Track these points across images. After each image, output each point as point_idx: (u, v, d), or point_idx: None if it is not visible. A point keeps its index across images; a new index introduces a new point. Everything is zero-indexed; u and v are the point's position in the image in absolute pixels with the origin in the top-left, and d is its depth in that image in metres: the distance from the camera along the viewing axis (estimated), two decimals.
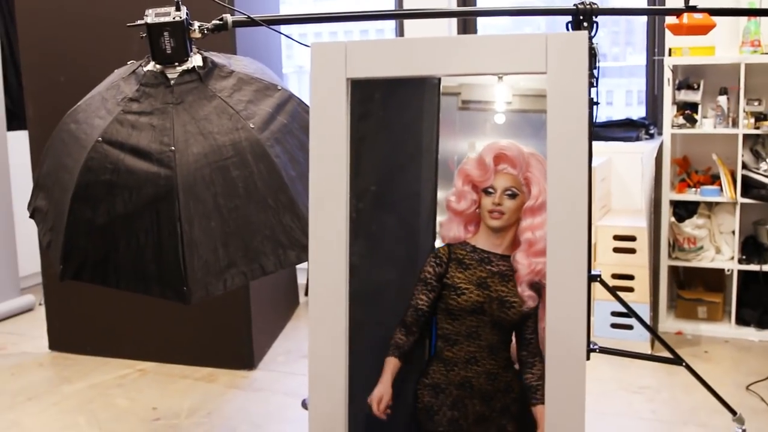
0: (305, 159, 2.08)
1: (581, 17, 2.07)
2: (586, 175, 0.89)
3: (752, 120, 3.78)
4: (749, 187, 3.78)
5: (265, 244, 2.02)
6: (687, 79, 3.99)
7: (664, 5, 4.09)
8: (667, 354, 2.83)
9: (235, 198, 2.00)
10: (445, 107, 2.70)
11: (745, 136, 3.78)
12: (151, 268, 2.02)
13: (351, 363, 0.83)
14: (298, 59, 5.89)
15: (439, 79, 2.29)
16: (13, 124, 4.71)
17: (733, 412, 2.68)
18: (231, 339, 3.58)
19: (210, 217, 1.99)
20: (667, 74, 3.88)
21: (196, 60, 2.08)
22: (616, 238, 3.81)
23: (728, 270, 3.88)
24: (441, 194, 2.52)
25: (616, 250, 3.81)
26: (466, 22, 4.66)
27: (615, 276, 3.79)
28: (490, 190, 1.87)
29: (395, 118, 2.32)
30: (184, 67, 2.06)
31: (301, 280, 4.60)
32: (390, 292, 2.10)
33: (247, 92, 2.10)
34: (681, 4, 2.25)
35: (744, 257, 3.84)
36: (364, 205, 2.32)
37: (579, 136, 0.88)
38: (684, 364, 2.76)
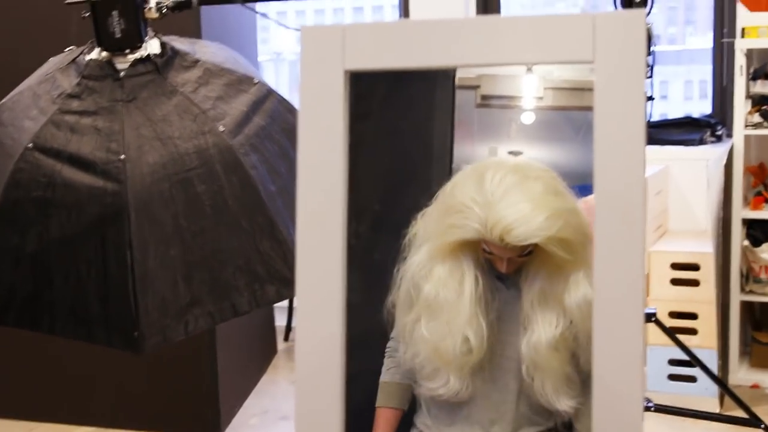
0: (288, 170, 2.08)
1: None
2: (643, 189, 0.90)
3: None
4: None
5: (238, 276, 2.02)
6: (764, 66, 4.01)
7: None
8: (741, 413, 2.83)
9: (200, 219, 2.00)
10: (461, 104, 2.71)
11: None
12: (94, 308, 2.02)
13: (347, 425, 0.83)
14: (276, 44, 5.93)
15: (455, 70, 2.31)
16: None
17: None
18: (193, 397, 3.57)
19: (169, 244, 1.99)
20: (740, 60, 3.90)
21: (152, 46, 2.09)
22: (675, 266, 3.82)
23: None
24: None
25: (675, 281, 3.81)
26: (487, 1, 4.69)
27: (673, 315, 3.79)
28: None
29: (400, 119, 2.34)
30: (137, 55, 2.07)
31: (279, 321, 4.59)
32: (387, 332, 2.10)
33: (215, 86, 2.11)
34: None
35: None
36: (365, 229, 2.32)
37: (635, 141, 0.89)
38: (763, 426, 2.76)
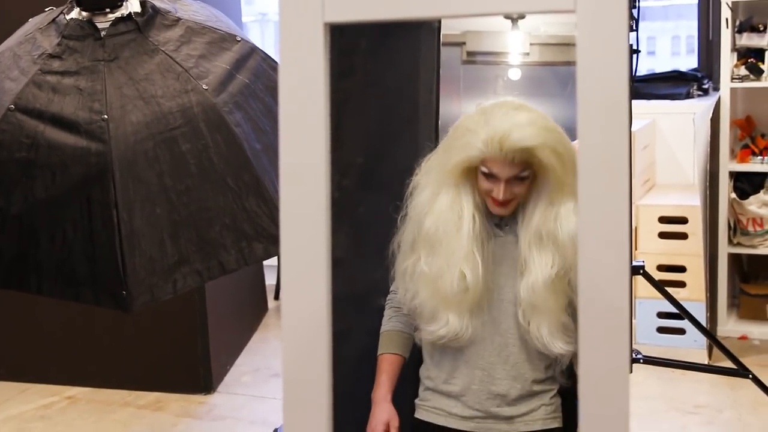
0: (273, 127, 2.08)
1: None
2: (627, 143, 0.89)
3: None
4: None
5: (225, 235, 2.02)
6: (750, 19, 3.99)
7: None
8: (729, 364, 2.85)
9: (185, 178, 2.00)
10: (446, 60, 2.70)
11: None
12: (81, 268, 2.02)
13: (336, 383, 0.83)
14: (261, 5, 5.87)
15: (439, 25, 2.30)
16: None
17: None
18: (183, 356, 3.58)
19: (155, 203, 1.98)
20: (725, 14, 3.88)
21: (132, 5, 2.07)
22: (663, 220, 3.83)
23: None
24: None
25: (663, 235, 3.82)
26: None
27: (662, 268, 3.81)
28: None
29: (385, 74, 2.33)
30: (118, 14, 2.05)
31: (270, 280, 4.60)
32: (382, 292, 2.10)
33: (198, 45, 2.09)
34: None
35: None
36: (349, 183, 2.33)
37: (619, 93, 0.88)
38: (751, 376, 2.78)
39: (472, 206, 1.80)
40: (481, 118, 1.77)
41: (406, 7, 0.88)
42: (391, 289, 1.99)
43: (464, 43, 2.79)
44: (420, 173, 1.87)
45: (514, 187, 1.77)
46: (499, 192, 1.76)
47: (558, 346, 1.77)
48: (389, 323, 1.97)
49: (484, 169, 1.77)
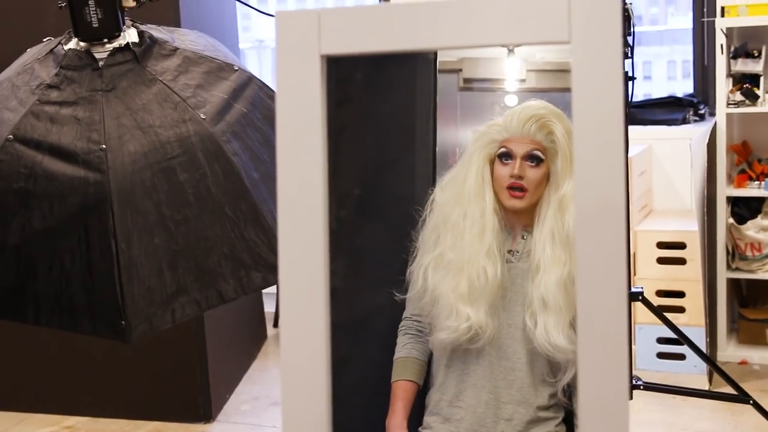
0: (271, 157, 2.08)
1: None
2: (623, 169, 0.89)
3: None
4: None
5: (223, 264, 2.02)
6: (745, 45, 4.02)
7: None
8: (729, 390, 2.84)
9: (183, 207, 2.00)
10: (443, 88, 2.71)
11: None
12: (79, 298, 2.01)
13: (334, 412, 0.83)
14: (258, 31, 5.90)
15: (436, 54, 2.31)
16: None
17: None
18: (182, 385, 3.57)
19: (153, 233, 1.98)
20: (720, 39, 3.90)
21: (130, 35, 2.08)
22: (661, 245, 3.83)
23: None
24: None
25: (662, 260, 3.82)
26: None
27: (661, 293, 3.80)
28: None
29: (382, 104, 2.33)
30: (116, 44, 2.06)
31: (269, 308, 4.59)
32: (380, 321, 2.10)
33: (195, 74, 2.10)
34: None
35: None
36: (347, 213, 2.33)
37: (614, 121, 0.88)
38: (751, 401, 2.77)
39: (492, 209, 1.94)
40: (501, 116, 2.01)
41: (402, 39, 0.89)
42: (404, 315, 2.02)
43: (461, 70, 2.80)
44: (443, 181, 2.04)
45: (528, 170, 1.91)
46: (515, 166, 1.91)
47: (561, 342, 1.81)
48: (404, 350, 2.00)
49: (502, 150, 1.94)
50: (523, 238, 1.96)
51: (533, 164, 1.92)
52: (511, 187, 1.92)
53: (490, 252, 1.90)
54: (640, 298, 2.73)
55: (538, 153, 1.92)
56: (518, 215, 1.96)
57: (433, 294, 1.92)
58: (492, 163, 1.97)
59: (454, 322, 1.88)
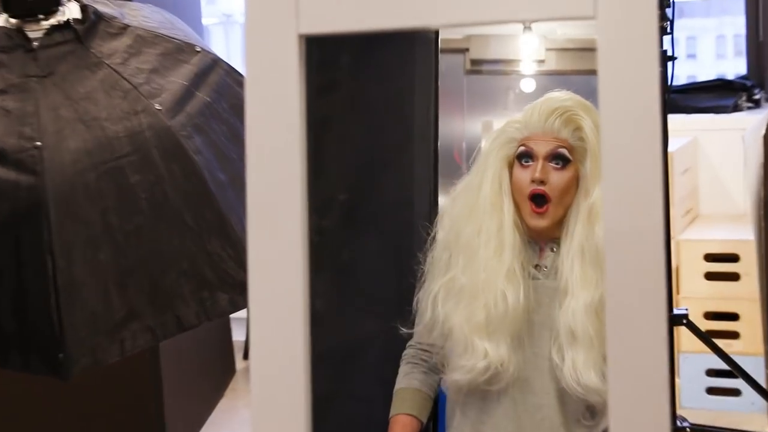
0: (240, 154, 2.08)
1: None
2: (661, 166, 0.90)
3: None
4: None
5: (183, 283, 2.02)
6: None
7: None
8: None
9: (135, 216, 2.00)
10: (446, 71, 2.72)
11: None
12: (7, 326, 2.01)
13: None
14: (225, 4, 5.91)
15: (437, 31, 2.31)
16: None
17: None
18: (134, 428, 3.56)
19: (97, 246, 1.98)
20: None
21: (71, 10, 2.08)
22: (710, 258, 3.83)
23: None
24: (444, 201, 2.53)
25: (710, 276, 3.83)
26: None
27: (710, 315, 3.81)
28: None
29: (373, 91, 2.34)
30: (54, 21, 2.06)
31: (238, 336, 4.59)
32: (372, 351, 2.11)
33: (149, 57, 2.11)
34: None
35: None
36: (331, 223, 2.32)
37: (649, 109, 0.89)
38: None
39: (512, 222, 1.94)
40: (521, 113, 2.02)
41: (396, 15, 0.89)
42: (409, 343, 2.03)
43: (467, 50, 2.80)
44: (455, 192, 2.05)
45: (552, 173, 1.92)
46: (536, 168, 1.91)
47: (594, 381, 1.81)
48: (405, 380, 2.01)
49: (521, 150, 1.94)
50: (552, 250, 1.96)
51: (558, 166, 1.92)
52: (532, 198, 1.91)
53: (511, 273, 1.90)
54: (685, 321, 2.73)
55: (564, 152, 1.92)
56: (545, 227, 1.96)
57: (444, 327, 1.92)
58: (511, 167, 1.97)
59: (469, 360, 1.88)
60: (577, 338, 1.84)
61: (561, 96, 1.97)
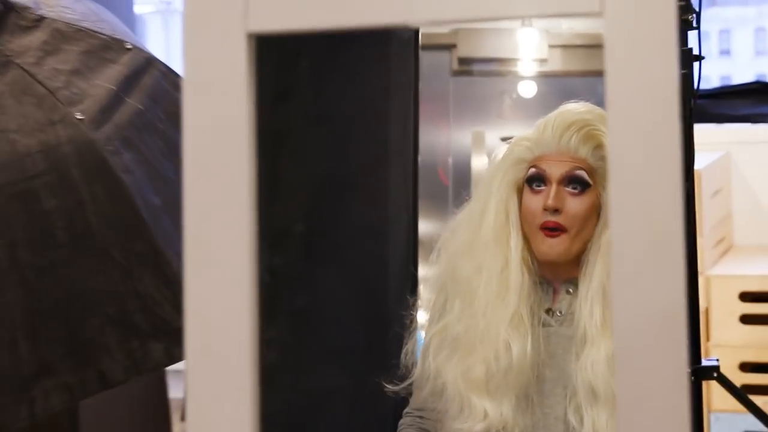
0: (179, 174, 2.09)
1: None
2: (680, 188, 0.91)
3: None
4: None
5: (108, 331, 2.02)
6: None
7: None
8: None
9: (49, 249, 2.00)
10: (429, 71, 2.72)
11: None
12: None
13: None
14: None
15: (417, 28, 2.32)
16: None
17: None
18: None
19: (2, 286, 1.98)
20: None
21: None
22: (747, 297, 3.84)
23: None
24: (426, 228, 2.53)
25: (747, 319, 3.84)
26: None
27: (747, 367, 3.81)
28: None
29: (340, 98, 2.34)
30: None
31: (175, 392, 4.58)
32: (339, 411, 2.10)
33: (69, 56, 2.11)
34: None
35: None
36: (287, 259, 2.31)
37: (666, 118, 0.90)
38: None
39: (519, 259, 1.93)
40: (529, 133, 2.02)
41: (367, 11, 0.90)
42: (405, 410, 2.03)
43: (455, 46, 2.81)
44: (454, 222, 2.04)
45: (568, 200, 1.91)
46: (549, 194, 1.90)
47: None
48: None
49: (532, 172, 1.93)
50: (568, 292, 1.96)
51: (575, 191, 1.91)
52: (544, 227, 1.91)
53: (516, 319, 1.89)
54: (716, 375, 2.74)
55: (582, 174, 1.91)
56: (558, 265, 1.96)
57: (436, 383, 1.91)
58: (520, 192, 1.96)
59: (465, 422, 1.87)
60: (598, 396, 1.84)
61: (579, 108, 1.97)
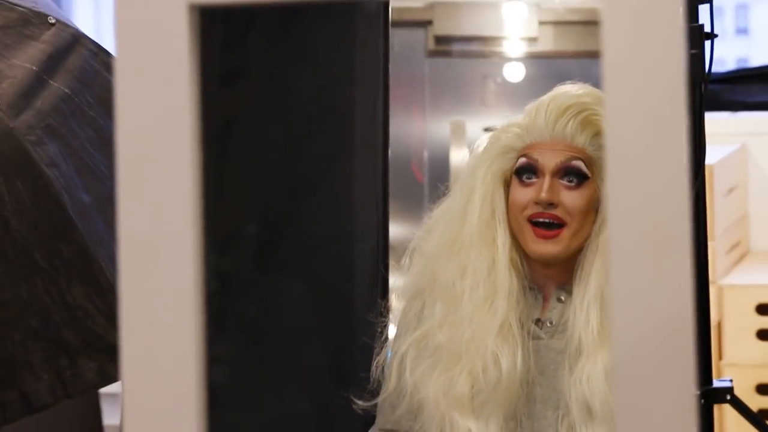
0: (113, 168, 2.09)
1: None
2: (686, 185, 0.92)
3: None
4: None
5: (31, 348, 2.02)
6: None
7: None
8: None
9: None
10: (402, 52, 2.72)
11: None
12: None
13: None
14: None
15: (386, 1, 2.31)
16: None
17: None
18: None
19: None
20: None
21: None
22: (764, 310, 3.86)
23: None
24: (399, 232, 2.54)
25: (765, 335, 3.86)
26: None
27: (763, 389, 3.83)
28: None
29: (298, 81, 2.33)
30: None
31: (111, 419, 4.57)
32: None
33: None
34: None
35: None
36: (237, 265, 2.30)
37: (672, 106, 0.91)
38: None
39: (507, 260, 1.94)
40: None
41: None
42: (370, 430, 2.03)
43: (430, 23, 2.81)
44: (431, 220, 2.05)
45: (563, 193, 1.92)
46: (542, 186, 1.91)
47: None
48: None
49: (522, 162, 1.95)
50: (559, 300, 1.97)
51: (571, 184, 1.92)
52: (535, 222, 1.92)
53: (505, 328, 1.90)
54: (729, 397, 2.76)
55: (579, 165, 1.92)
56: (552, 267, 1.97)
57: (414, 398, 1.92)
58: (508, 185, 1.97)
59: None
60: (594, 413, 1.85)
61: (575, 90, 1.99)
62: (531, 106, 1.98)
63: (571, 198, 1.90)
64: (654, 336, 0.90)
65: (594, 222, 1.92)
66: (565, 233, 1.90)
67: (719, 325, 3.85)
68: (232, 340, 2.16)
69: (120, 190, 0.94)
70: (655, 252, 0.89)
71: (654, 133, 0.89)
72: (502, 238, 1.94)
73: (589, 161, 1.91)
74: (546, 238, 1.90)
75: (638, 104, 0.90)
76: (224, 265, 2.16)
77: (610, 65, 0.88)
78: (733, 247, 4.07)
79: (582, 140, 1.91)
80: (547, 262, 1.94)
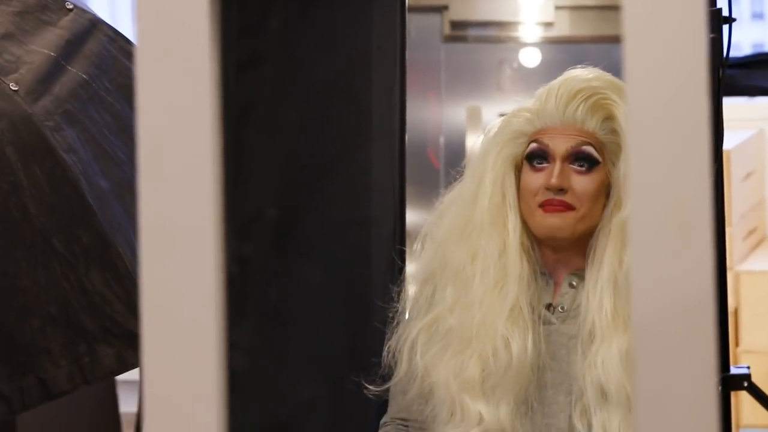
0: (130, 154, 2.09)
1: None
2: (708, 170, 0.92)
3: None
4: None
5: (50, 333, 2.02)
6: None
7: None
8: None
9: None
10: (418, 37, 2.72)
11: None
12: None
13: None
14: None
15: None
16: None
17: None
18: None
19: None
20: None
21: None
22: None
23: None
24: (414, 217, 2.54)
25: None
26: None
27: None
28: None
29: (316, 67, 2.33)
30: None
31: (128, 406, 4.58)
32: (316, 421, 2.11)
33: (1, 17, 2.10)
34: None
35: None
36: (256, 249, 2.31)
37: (693, 91, 0.91)
38: None
39: (518, 244, 1.95)
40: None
41: None
42: (382, 420, 2.03)
43: (446, 8, 2.81)
44: (442, 205, 2.07)
45: (574, 178, 1.93)
46: (553, 172, 1.92)
47: None
48: None
49: (533, 147, 1.96)
50: (571, 285, 1.98)
51: (582, 168, 1.93)
52: (545, 206, 1.92)
53: (516, 312, 1.91)
54: (746, 384, 2.75)
55: (590, 150, 1.92)
56: (562, 251, 1.97)
57: (424, 382, 1.93)
58: (519, 170, 1.98)
59: (457, 427, 1.89)
60: (609, 397, 1.85)
61: (586, 74, 1.99)
62: (541, 91, 1.99)
63: (582, 183, 1.91)
64: (674, 319, 0.90)
65: (604, 206, 1.92)
66: (572, 216, 1.91)
67: (736, 312, 3.85)
68: (252, 324, 2.17)
69: (141, 176, 0.94)
70: (676, 235, 0.89)
71: (675, 118, 0.88)
72: (513, 223, 1.95)
73: (600, 146, 1.92)
74: (552, 211, 1.91)
75: (659, 89, 0.89)
76: (244, 250, 2.16)
77: (631, 49, 0.88)
78: (750, 232, 4.07)
79: (592, 124, 1.92)
80: (554, 241, 1.94)
